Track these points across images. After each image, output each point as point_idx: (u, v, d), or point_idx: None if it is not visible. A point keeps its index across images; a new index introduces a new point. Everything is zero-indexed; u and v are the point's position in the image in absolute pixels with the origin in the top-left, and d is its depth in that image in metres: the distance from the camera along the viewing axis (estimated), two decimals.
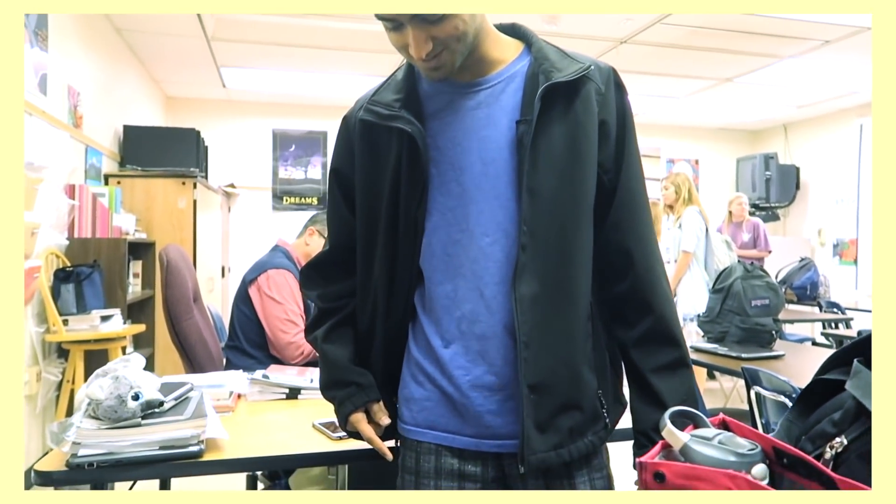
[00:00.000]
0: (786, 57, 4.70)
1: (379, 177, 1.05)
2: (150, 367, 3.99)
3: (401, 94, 1.04)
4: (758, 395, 2.29)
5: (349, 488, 1.88)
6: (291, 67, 5.18)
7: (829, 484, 0.54)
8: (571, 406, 1.00)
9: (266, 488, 2.53)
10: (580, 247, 1.01)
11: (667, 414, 0.66)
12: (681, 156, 7.36)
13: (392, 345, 1.10)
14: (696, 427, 0.67)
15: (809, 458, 0.55)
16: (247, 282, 2.45)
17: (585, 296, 1.03)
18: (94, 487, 1.29)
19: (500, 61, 1.04)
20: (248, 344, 2.40)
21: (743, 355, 2.69)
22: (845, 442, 0.57)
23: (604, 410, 1.05)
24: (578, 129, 0.99)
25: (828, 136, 6.64)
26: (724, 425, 0.66)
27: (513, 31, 1.08)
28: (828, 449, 0.58)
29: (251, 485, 2.64)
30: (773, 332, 2.98)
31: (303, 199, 6.50)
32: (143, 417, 1.27)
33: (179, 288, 2.41)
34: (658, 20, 3.99)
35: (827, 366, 0.68)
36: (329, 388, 1.13)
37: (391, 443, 1.13)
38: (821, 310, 5.14)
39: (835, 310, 4.97)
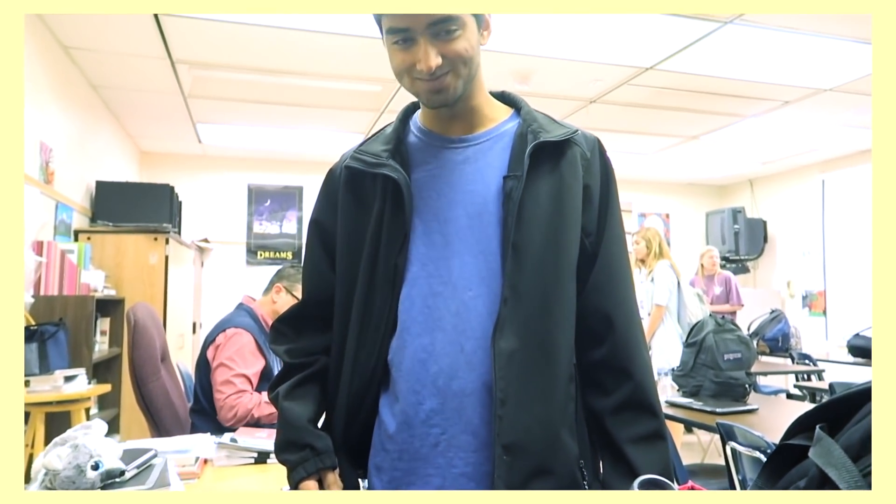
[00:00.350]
0: (748, 116, 4.89)
1: (362, 224, 1.04)
2: (115, 428, 3.86)
3: (389, 145, 1.05)
4: (733, 450, 2.29)
5: None
6: (268, 123, 5.24)
7: None
8: (547, 471, 0.96)
9: None
10: (562, 305, 1.01)
11: (636, 483, 0.66)
12: (652, 210, 7.52)
13: (355, 405, 1.04)
14: None
15: None
16: (207, 343, 2.39)
17: (567, 356, 1.02)
18: None
19: (490, 119, 1.07)
20: (211, 406, 2.33)
21: (717, 410, 2.69)
22: None
23: (584, 483, 1.01)
24: (564, 189, 1.01)
25: (792, 191, 6.85)
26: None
27: (502, 97, 1.12)
28: None
29: None
30: (747, 386, 2.99)
31: (277, 254, 6.48)
32: (103, 488, 1.22)
33: (146, 349, 2.36)
34: (625, 81, 4.14)
35: (792, 431, 0.68)
36: (282, 450, 1.04)
37: None
38: (793, 361, 5.20)
39: (807, 361, 5.04)
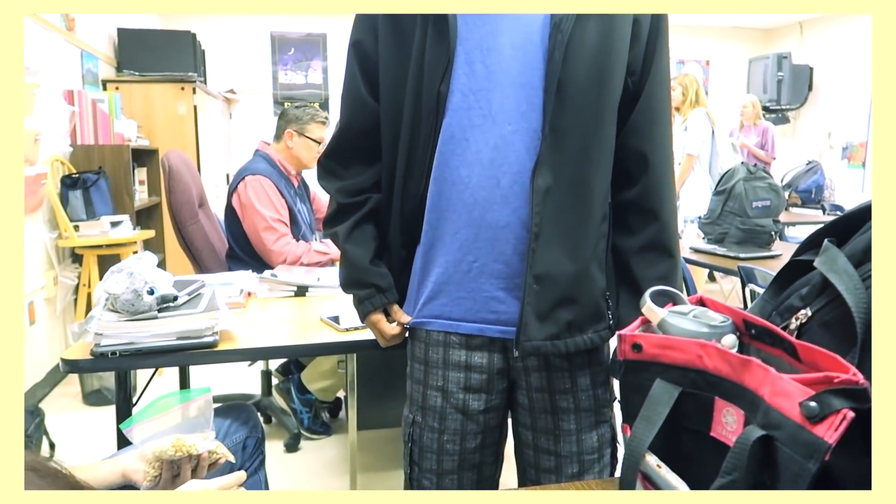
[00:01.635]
0: None
1: (403, 51, 1.03)
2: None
3: None
4: (752, 292, 2.36)
5: (358, 380, 1.99)
6: None
7: (790, 350, 0.58)
8: (573, 300, 1.02)
9: (279, 383, 2.66)
10: (600, 146, 1.01)
11: (647, 293, 0.70)
12: (691, 56, 7.14)
13: (409, 228, 1.10)
14: (674, 304, 0.71)
15: (773, 327, 0.60)
16: (230, 192, 2.44)
17: (602, 196, 1.04)
18: (118, 375, 1.38)
19: None
20: (244, 252, 2.43)
21: (741, 255, 2.74)
22: (809, 313, 0.62)
23: (608, 312, 1.07)
24: (613, 24, 0.98)
25: (846, 32, 6.39)
26: (700, 303, 0.71)
27: None
28: (793, 320, 0.63)
29: (266, 381, 2.78)
30: (773, 233, 3.02)
31: (305, 104, 6.40)
32: (159, 311, 1.33)
33: (183, 193, 2.44)
34: None
35: (803, 248, 0.71)
36: (349, 286, 1.16)
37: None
38: (824, 212, 5.17)
39: (837, 213, 4.99)
